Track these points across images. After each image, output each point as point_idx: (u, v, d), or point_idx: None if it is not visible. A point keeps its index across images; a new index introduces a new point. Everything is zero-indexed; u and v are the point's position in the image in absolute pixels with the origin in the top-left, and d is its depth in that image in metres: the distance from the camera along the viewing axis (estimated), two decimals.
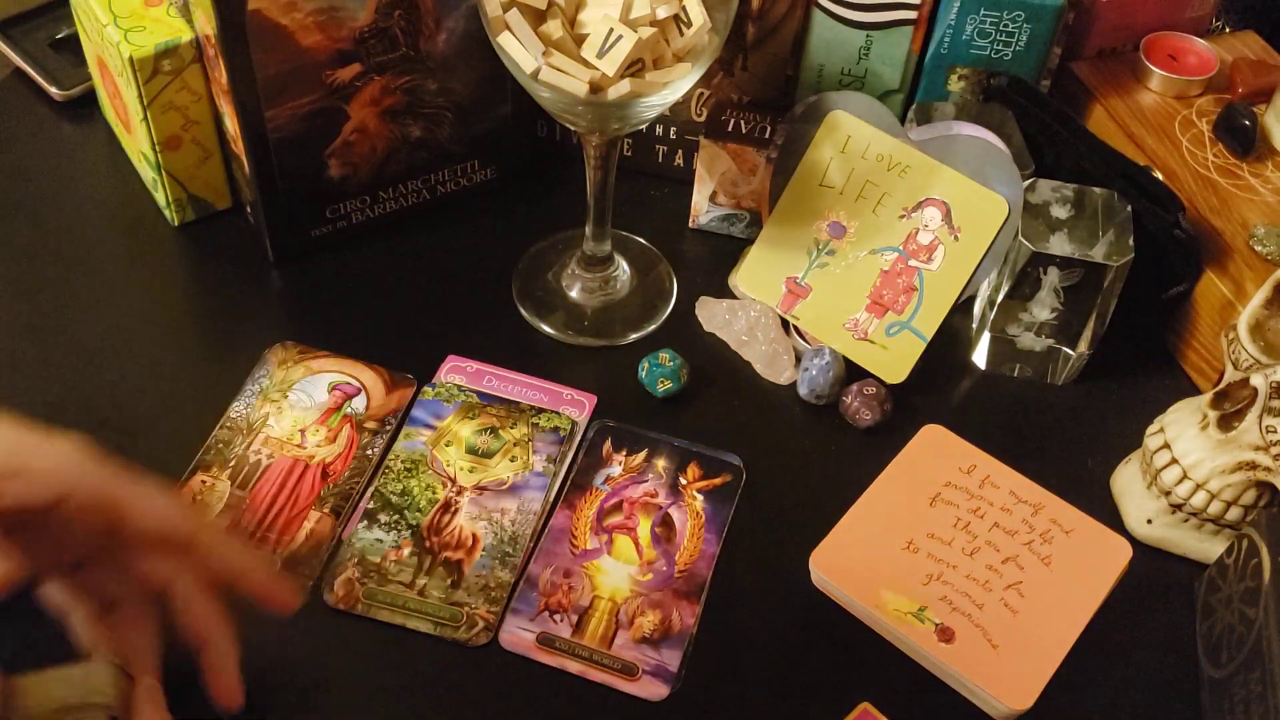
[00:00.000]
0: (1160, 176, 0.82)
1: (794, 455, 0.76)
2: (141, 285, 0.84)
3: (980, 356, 0.81)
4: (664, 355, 0.77)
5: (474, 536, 0.70)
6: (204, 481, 0.71)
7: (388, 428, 0.75)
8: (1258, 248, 0.78)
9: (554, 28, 0.68)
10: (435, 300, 0.83)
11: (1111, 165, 0.80)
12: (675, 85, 0.69)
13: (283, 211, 0.82)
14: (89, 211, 0.88)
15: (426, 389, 0.77)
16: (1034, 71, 0.84)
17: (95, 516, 0.50)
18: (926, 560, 0.68)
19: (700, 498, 0.73)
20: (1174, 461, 0.70)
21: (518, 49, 0.68)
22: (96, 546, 0.53)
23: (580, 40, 0.68)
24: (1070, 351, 0.79)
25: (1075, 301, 0.76)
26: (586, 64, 0.67)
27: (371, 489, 0.72)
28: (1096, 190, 0.77)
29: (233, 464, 0.72)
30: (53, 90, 0.93)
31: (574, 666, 0.65)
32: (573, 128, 0.72)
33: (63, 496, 0.49)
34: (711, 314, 0.82)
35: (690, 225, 0.89)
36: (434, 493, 0.72)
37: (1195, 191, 0.82)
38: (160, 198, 0.86)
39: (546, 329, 0.82)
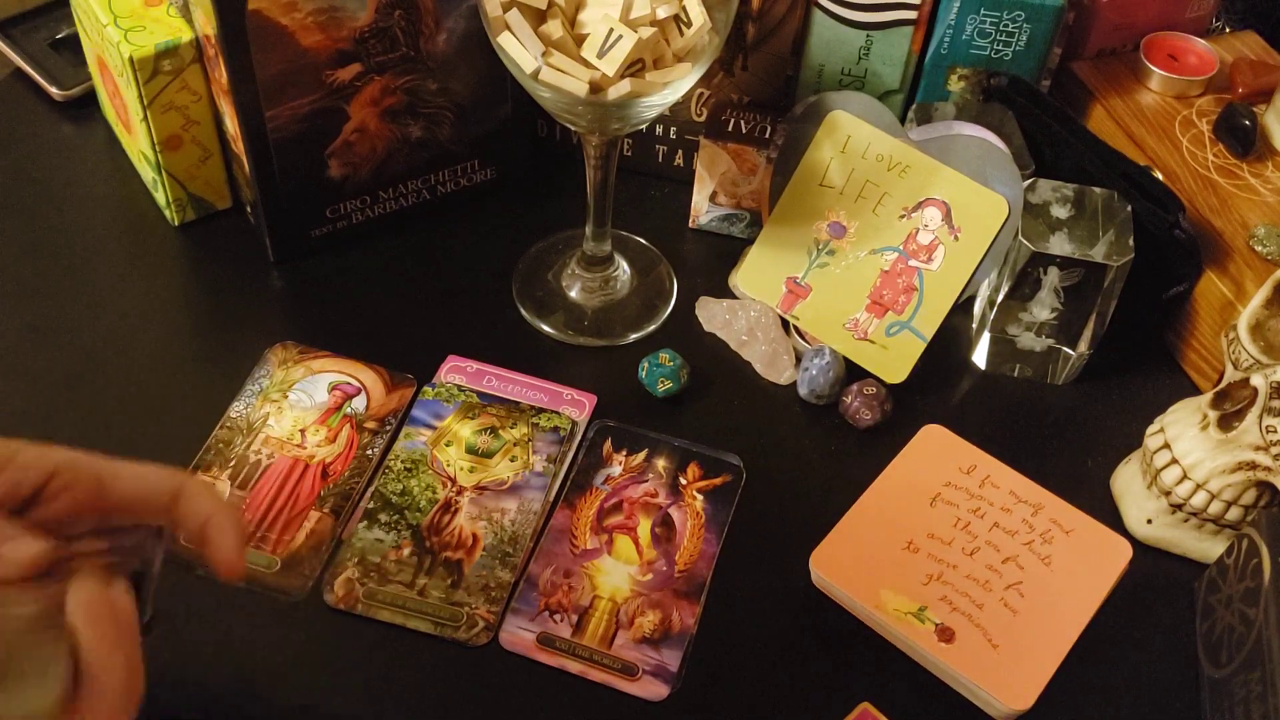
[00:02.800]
0: (1160, 176, 0.82)
1: (794, 455, 0.76)
2: (141, 285, 0.84)
3: (980, 356, 0.81)
4: (664, 355, 0.77)
5: (474, 536, 0.70)
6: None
7: (388, 428, 0.75)
8: (1258, 248, 0.78)
9: (554, 28, 0.68)
10: (435, 300, 0.83)
11: (1111, 165, 0.80)
12: (675, 85, 0.69)
13: (283, 211, 0.82)
14: (89, 211, 0.88)
15: (426, 389, 0.77)
16: (1034, 71, 0.84)
17: (79, 490, 0.53)
18: (926, 560, 0.68)
19: (700, 498, 0.73)
20: (1174, 461, 0.70)
21: (518, 49, 0.68)
22: (85, 515, 0.55)
23: (580, 40, 0.68)
24: (1070, 351, 0.79)
25: (1075, 301, 0.76)
26: (586, 64, 0.67)
27: (371, 489, 0.72)
28: (1096, 190, 0.77)
29: (233, 464, 0.72)
30: (53, 90, 0.93)
31: (574, 666, 0.65)
32: (573, 128, 0.72)
33: (48, 476, 0.53)
34: (711, 314, 0.82)
35: (690, 225, 0.89)
36: (434, 493, 0.72)
37: (1195, 191, 0.82)
38: (160, 198, 0.86)
39: (546, 329, 0.82)
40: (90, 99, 0.93)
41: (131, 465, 0.55)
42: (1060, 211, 0.76)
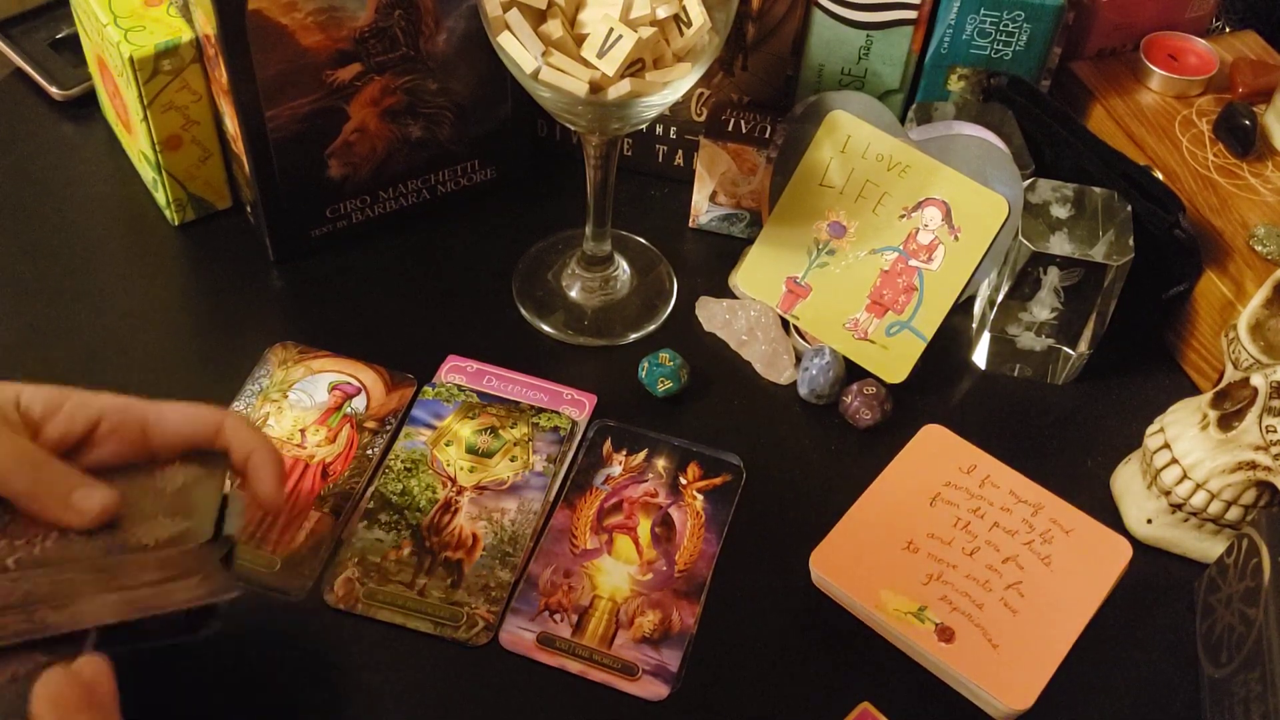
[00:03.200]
0: (1160, 176, 0.82)
1: (794, 455, 0.76)
2: (141, 285, 0.84)
3: (980, 356, 0.81)
4: (664, 355, 0.77)
5: (474, 536, 0.70)
6: None
7: (388, 427, 0.75)
8: (1258, 248, 0.78)
9: (554, 28, 0.68)
10: (435, 300, 0.83)
11: (1111, 165, 0.80)
12: (675, 85, 0.69)
13: (283, 211, 0.82)
14: (89, 211, 0.88)
15: (426, 389, 0.77)
16: (1034, 71, 0.84)
17: (126, 433, 0.56)
18: (926, 560, 0.68)
19: (700, 498, 0.73)
20: (1174, 461, 0.70)
21: (518, 49, 0.68)
22: (131, 459, 0.58)
23: (580, 40, 0.68)
24: (1070, 351, 0.79)
25: (1075, 301, 0.76)
26: (586, 64, 0.67)
27: (371, 489, 0.72)
28: (1096, 190, 0.77)
29: None
30: (53, 90, 0.93)
31: (574, 666, 0.65)
32: (573, 128, 0.72)
33: (95, 421, 0.56)
34: (711, 314, 0.82)
35: (690, 225, 0.89)
36: (434, 492, 0.72)
37: (1195, 191, 0.82)
38: (160, 198, 0.86)
39: (546, 329, 0.82)
40: (90, 99, 0.93)
41: (174, 405, 0.58)
42: (1060, 211, 0.76)
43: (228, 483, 0.59)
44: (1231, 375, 0.73)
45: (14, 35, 0.96)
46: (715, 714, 0.65)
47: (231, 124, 0.79)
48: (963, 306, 0.82)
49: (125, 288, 0.83)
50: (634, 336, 0.82)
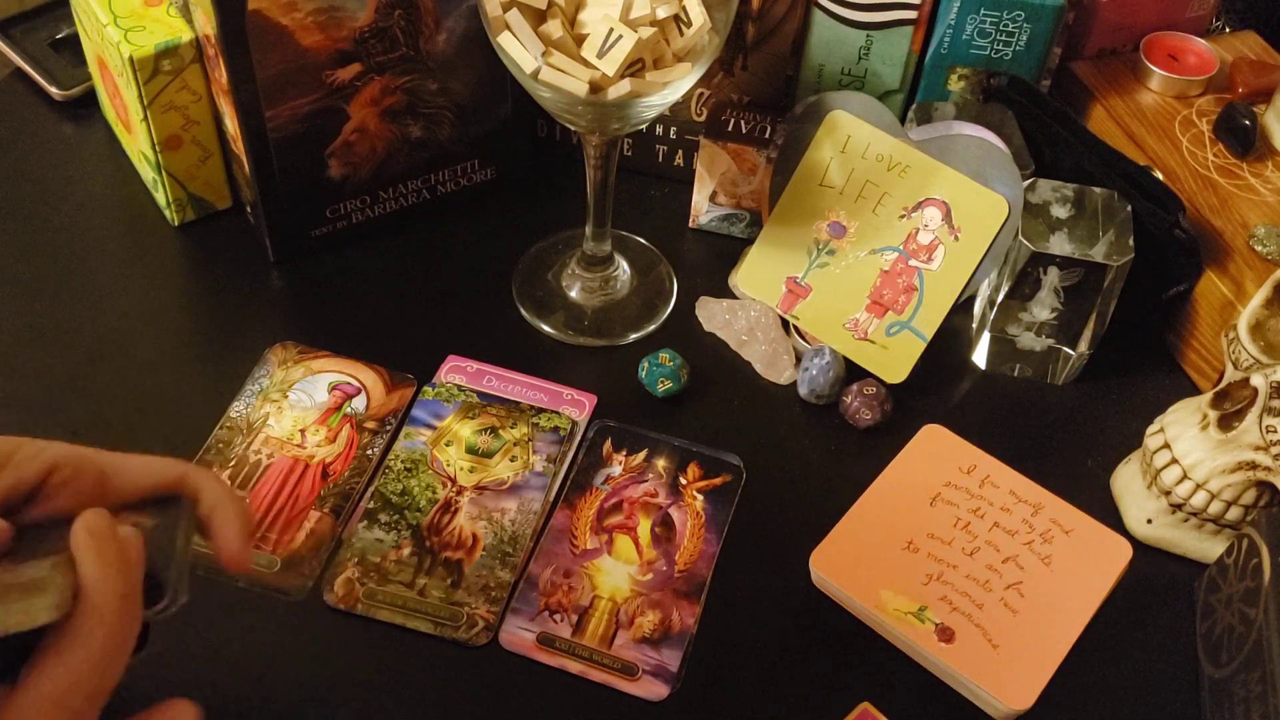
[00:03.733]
0: (1160, 176, 0.82)
1: (794, 455, 0.76)
2: (141, 285, 0.84)
3: (980, 356, 0.81)
4: (664, 355, 0.77)
5: (474, 536, 0.70)
6: None
7: (388, 428, 0.75)
8: (1258, 248, 0.78)
9: (554, 28, 0.68)
10: (435, 300, 0.83)
11: (1111, 165, 0.80)
12: (675, 85, 0.69)
13: (283, 211, 0.82)
14: (89, 211, 0.88)
15: (426, 389, 0.77)
16: (1034, 71, 0.84)
17: (81, 484, 0.53)
18: (926, 560, 0.68)
19: (700, 498, 0.73)
20: (1174, 461, 0.70)
21: (518, 49, 0.68)
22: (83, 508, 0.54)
23: (580, 40, 0.68)
24: (1070, 351, 0.79)
25: (1075, 301, 0.76)
26: (586, 64, 0.67)
27: (371, 489, 0.72)
28: (1096, 190, 0.77)
29: (233, 464, 0.72)
30: (53, 90, 0.93)
31: (574, 666, 0.65)
32: (573, 128, 0.72)
33: (48, 471, 0.52)
34: (711, 314, 0.82)
35: (690, 225, 0.89)
36: (434, 492, 0.72)
37: (1195, 191, 0.82)
38: (160, 198, 0.86)
39: (546, 329, 0.82)
40: (90, 99, 0.93)
41: (134, 457, 0.55)
42: (1060, 211, 0.76)
43: (183, 534, 0.54)
44: (1231, 375, 0.73)
45: (14, 35, 0.96)
46: (715, 714, 0.65)
47: (231, 124, 0.79)
48: (963, 306, 0.82)
49: (125, 288, 0.83)
50: (634, 336, 0.82)
